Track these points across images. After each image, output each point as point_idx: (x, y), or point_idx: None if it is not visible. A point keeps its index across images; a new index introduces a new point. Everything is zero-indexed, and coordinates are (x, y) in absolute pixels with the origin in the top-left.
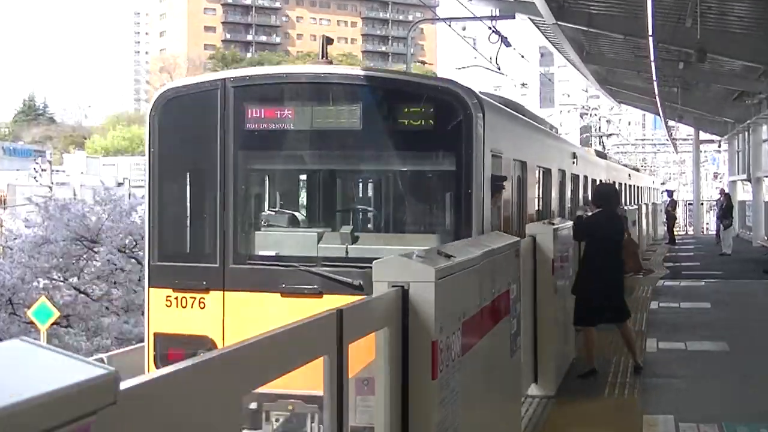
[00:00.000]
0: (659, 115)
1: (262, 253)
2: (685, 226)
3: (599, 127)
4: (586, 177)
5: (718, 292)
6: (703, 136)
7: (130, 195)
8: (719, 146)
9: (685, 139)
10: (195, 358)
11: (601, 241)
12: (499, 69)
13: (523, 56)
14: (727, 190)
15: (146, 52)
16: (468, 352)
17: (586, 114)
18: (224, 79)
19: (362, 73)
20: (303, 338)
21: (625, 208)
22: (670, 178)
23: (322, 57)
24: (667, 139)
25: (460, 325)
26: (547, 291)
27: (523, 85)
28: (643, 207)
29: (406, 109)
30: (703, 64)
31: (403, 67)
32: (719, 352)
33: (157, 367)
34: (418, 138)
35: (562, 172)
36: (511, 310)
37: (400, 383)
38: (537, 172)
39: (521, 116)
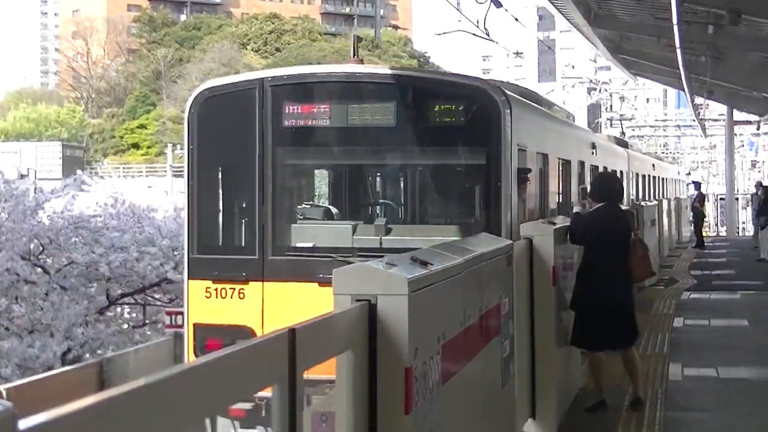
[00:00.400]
0: (684, 90)
1: (299, 244)
2: (716, 225)
3: (610, 106)
4: (605, 168)
5: (758, 306)
6: (737, 115)
7: (36, 189)
8: (758, 128)
9: (716, 120)
10: (113, 389)
11: (602, 243)
12: (487, 35)
13: (517, 19)
14: (766, 182)
15: (55, 14)
16: (449, 380)
17: (595, 89)
18: (262, 78)
19: (396, 72)
20: (247, 365)
21: (643, 203)
22: (697, 167)
23: (354, 56)
24: (694, 120)
25: (440, 347)
26: (547, 306)
27: (517, 54)
28: (664, 203)
29: (437, 107)
30: (737, 27)
31: (371, 32)
32: (759, 381)
33: (197, 357)
34: (448, 134)
35: (581, 164)
36: (503, 330)
37: (367, 418)
38: (557, 164)
39: (542, 108)
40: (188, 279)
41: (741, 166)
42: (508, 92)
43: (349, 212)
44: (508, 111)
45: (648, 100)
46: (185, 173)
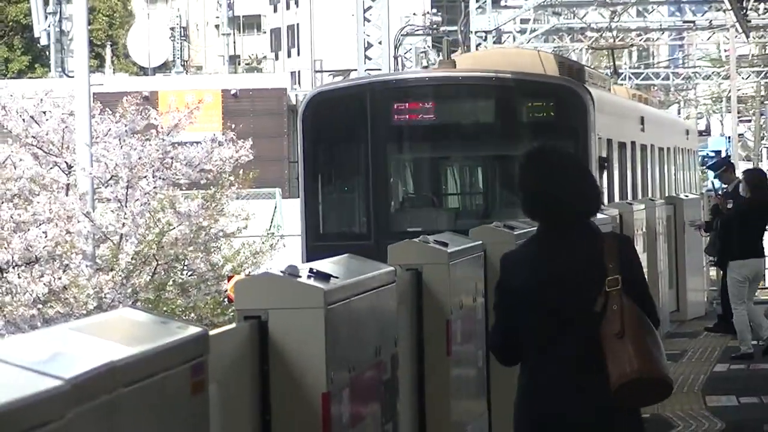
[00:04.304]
0: None
1: (409, 229)
2: None
3: None
4: (652, 146)
5: None
6: None
7: None
8: None
9: None
10: None
11: (535, 306)
12: None
13: None
14: None
15: None
16: None
17: None
18: (372, 81)
19: (492, 74)
20: None
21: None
22: (722, 116)
23: (447, 58)
24: None
25: None
26: (439, 390)
27: None
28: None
29: (529, 104)
30: None
31: None
32: None
33: None
34: (540, 128)
35: (633, 145)
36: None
37: None
38: (617, 146)
39: (610, 94)
40: None
41: None
42: (589, 87)
43: (452, 200)
44: (592, 106)
45: None
46: (300, 169)
